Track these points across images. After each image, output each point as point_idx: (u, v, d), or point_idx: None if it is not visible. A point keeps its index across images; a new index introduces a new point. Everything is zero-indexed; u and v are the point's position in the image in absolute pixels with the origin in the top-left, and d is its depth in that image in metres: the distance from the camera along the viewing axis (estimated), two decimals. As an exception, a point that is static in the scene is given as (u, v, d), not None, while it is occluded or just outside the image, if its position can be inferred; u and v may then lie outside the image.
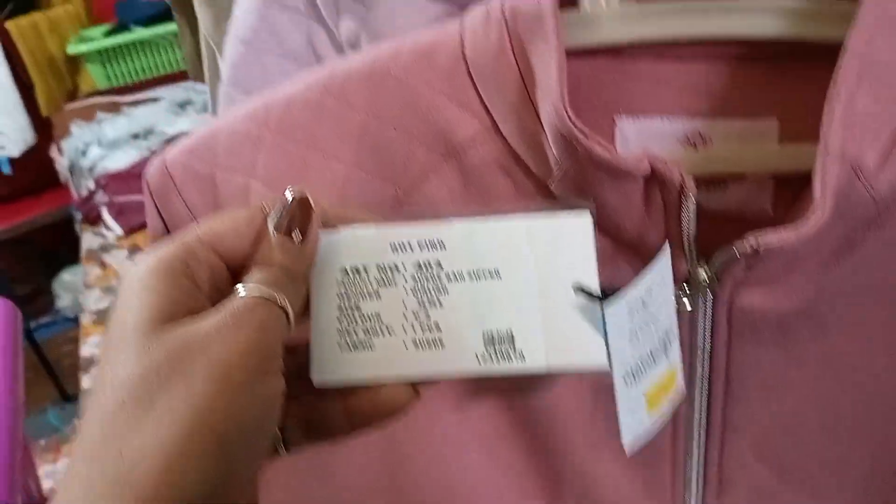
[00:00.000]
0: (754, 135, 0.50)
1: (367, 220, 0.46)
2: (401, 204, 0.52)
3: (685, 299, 0.49)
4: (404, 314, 0.45)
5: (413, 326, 0.44)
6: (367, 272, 0.45)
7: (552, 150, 0.47)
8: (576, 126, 0.44)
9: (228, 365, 0.36)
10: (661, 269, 0.45)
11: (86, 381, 1.74)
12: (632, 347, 0.44)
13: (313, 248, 0.43)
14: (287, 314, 0.40)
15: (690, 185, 0.45)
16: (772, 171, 0.51)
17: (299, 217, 0.42)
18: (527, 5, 0.46)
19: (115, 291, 2.07)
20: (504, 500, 0.58)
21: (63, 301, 3.07)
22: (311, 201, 0.43)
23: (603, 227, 0.49)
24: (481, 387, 0.56)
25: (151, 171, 0.57)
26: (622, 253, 0.50)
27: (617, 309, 0.43)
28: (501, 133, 0.50)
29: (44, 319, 3.11)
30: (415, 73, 0.51)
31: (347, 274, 0.45)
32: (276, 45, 0.65)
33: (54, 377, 2.60)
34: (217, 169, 0.54)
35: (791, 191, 0.51)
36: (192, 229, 0.42)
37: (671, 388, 0.48)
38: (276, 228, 0.42)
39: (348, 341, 0.44)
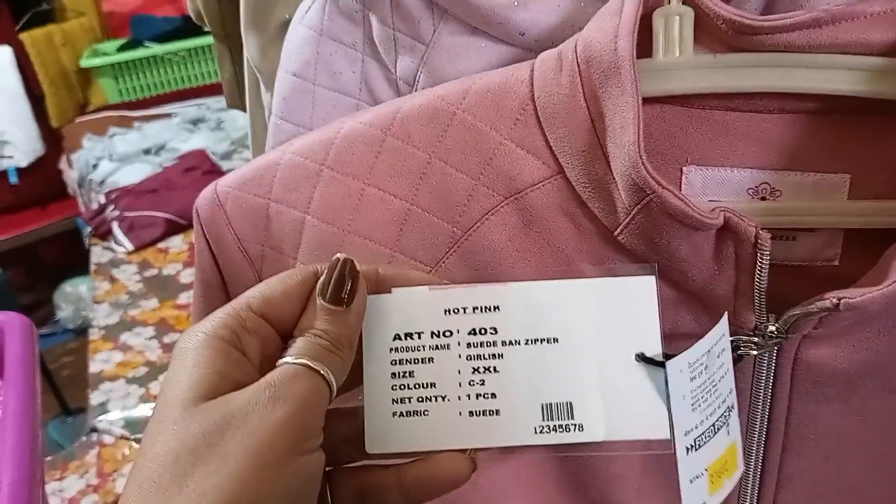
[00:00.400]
0: (825, 189, 0.50)
1: (422, 282, 0.45)
2: (458, 243, 0.51)
3: (752, 352, 0.49)
4: (459, 381, 0.44)
5: (468, 394, 0.43)
6: (420, 337, 0.44)
7: (622, 197, 0.47)
8: (651, 176, 0.44)
9: (262, 442, 0.36)
10: (720, 338, 0.45)
11: (94, 398, 1.74)
12: (694, 414, 0.44)
13: (358, 316, 0.43)
14: (329, 384, 0.40)
15: (766, 240, 0.45)
16: (842, 227, 0.50)
17: (348, 282, 0.42)
18: (602, 52, 0.46)
19: (124, 306, 2.07)
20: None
21: (64, 312, 3.06)
22: (358, 266, 0.42)
23: (668, 276, 0.49)
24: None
25: (202, 200, 0.56)
26: (685, 303, 0.50)
27: (679, 370, 0.42)
28: (567, 178, 0.49)
29: (44, 330, 3.10)
30: (481, 115, 0.51)
31: (401, 339, 0.44)
32: (329, 79, 0.65)
33: (55, 389, 2.58)
34: (271, 201, 0.54)
35: (858, 244, 0.51)
36: (245, 295, 0.42)
37: (732, 468, 0.47)
38: (321, 294, 0.41)
39: (402, 409, 0.44)
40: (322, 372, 0.39)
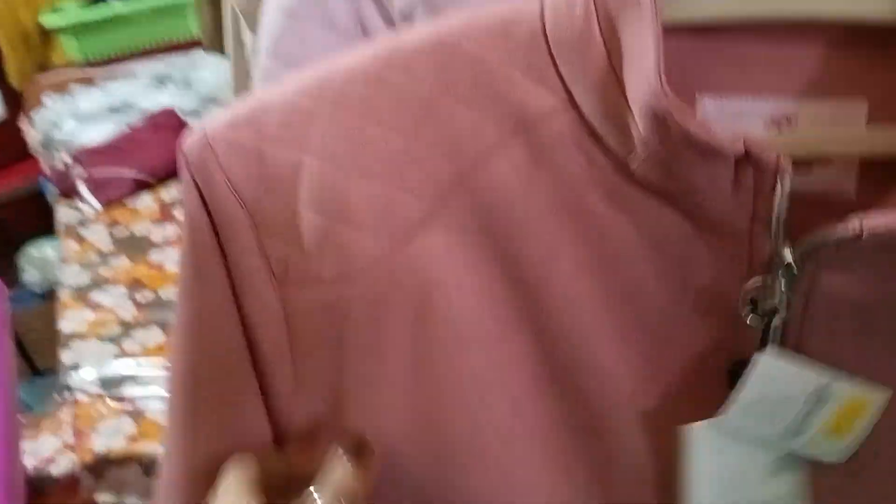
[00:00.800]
0: (841, 116, 0.49)
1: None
2: (463, 181, 0.50)
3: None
4: None
5: None
6: None
7: (638, 127, 0.45)
8: (672, 102, 0.43)
9: None
10: None
11: (66, 357, 1.71)
12: None
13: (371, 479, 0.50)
14: None
15: (787, 166, 0.44)
16: (859, 154, 0.50)
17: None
18: (618, -22, 0.45)
19: (94, 266, 2.04)
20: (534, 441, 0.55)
21: (29, 275, 3.01)
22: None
23: (684, 208, 0.48)
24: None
25: (190, 143, 0.53)
26: (702, 236, 0.49)
27: None
28: (579, 109, 0.48)
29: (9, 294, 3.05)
30: (489, 47, 0.49)
31: None
32: (320, 17, 0.63)
33: (22, 351, 2.56)
34: (265, 143, 0.52)
35: (875, 175, 0.50)
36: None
37: None
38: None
39: None
40: None
